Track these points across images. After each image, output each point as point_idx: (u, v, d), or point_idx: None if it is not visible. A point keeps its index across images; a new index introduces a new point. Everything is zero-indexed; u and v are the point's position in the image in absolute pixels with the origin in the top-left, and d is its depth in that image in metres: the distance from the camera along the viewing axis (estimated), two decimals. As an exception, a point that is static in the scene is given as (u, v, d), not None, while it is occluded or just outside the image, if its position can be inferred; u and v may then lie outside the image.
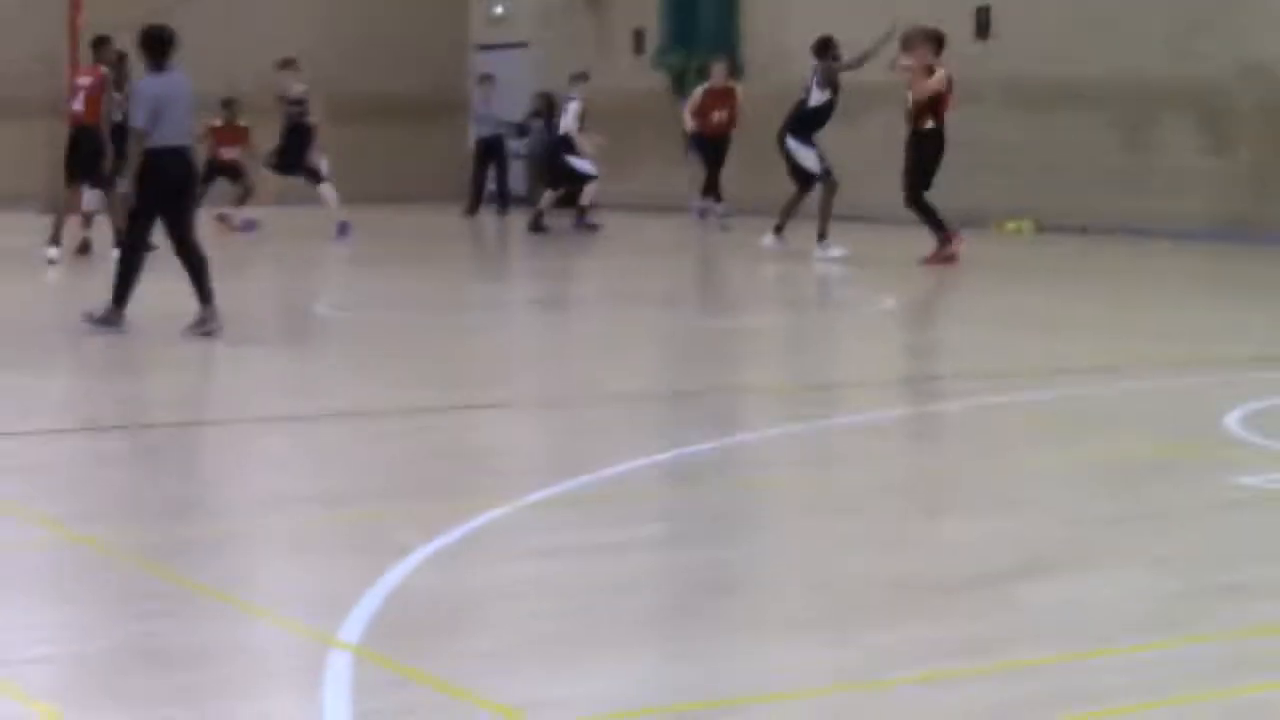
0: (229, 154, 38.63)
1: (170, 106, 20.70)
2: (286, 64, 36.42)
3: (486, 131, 40.91)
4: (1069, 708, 7.20)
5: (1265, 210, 29.35)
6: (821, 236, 30.17)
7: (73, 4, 40.51)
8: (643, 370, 17.77)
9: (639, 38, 41.44)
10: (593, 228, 34.55)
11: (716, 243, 30.38)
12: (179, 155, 20.66)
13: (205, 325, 20.22)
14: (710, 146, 29.78)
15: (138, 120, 20.83)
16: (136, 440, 14.34)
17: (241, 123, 38.46)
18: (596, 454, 12.63)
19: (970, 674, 7.52)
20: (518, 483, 11.76)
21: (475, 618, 8.51)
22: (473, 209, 41.71)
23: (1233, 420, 13.36)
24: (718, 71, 34.24)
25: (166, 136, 20.58)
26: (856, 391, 15.24)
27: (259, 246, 31.29)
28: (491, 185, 42.64)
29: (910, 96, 29.83)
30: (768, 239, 30.58)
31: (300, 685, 7.48)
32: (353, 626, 8.20)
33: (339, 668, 7.62)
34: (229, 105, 38.63)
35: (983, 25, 34.10)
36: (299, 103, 35.30)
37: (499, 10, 44.36)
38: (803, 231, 31.15)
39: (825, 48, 30.78)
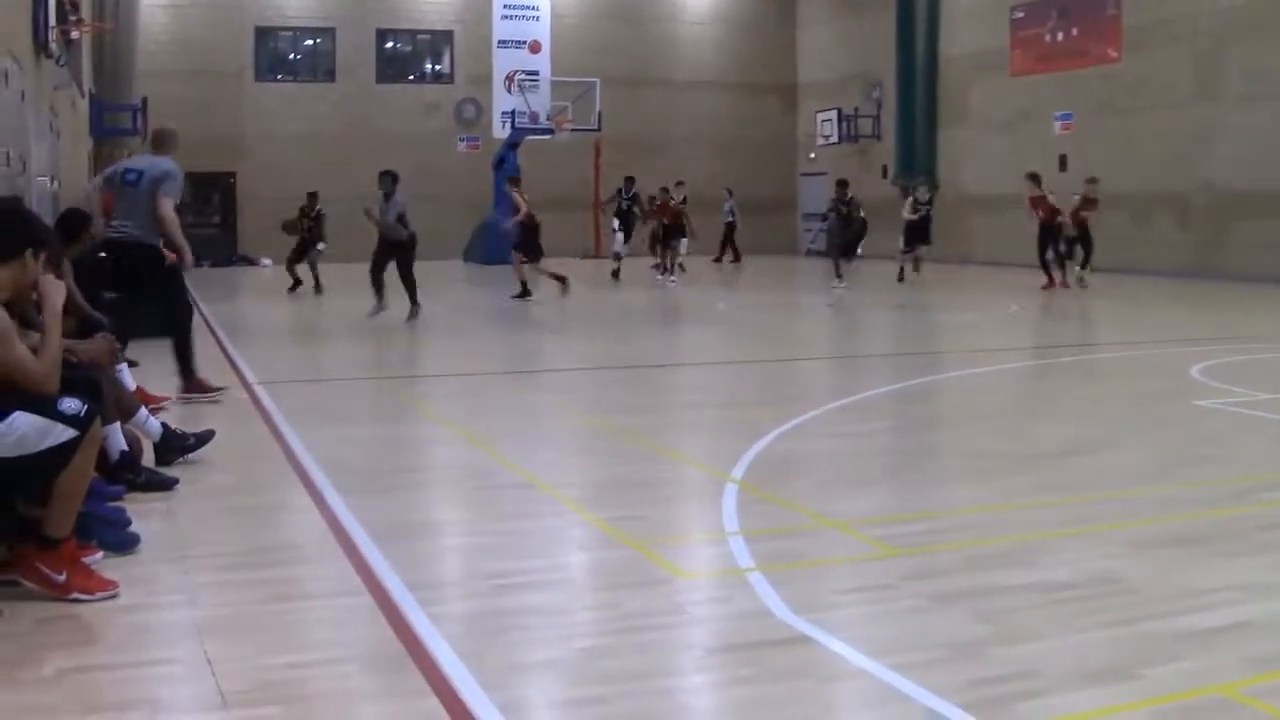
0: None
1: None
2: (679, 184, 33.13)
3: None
4: (1110, 520, 7.68)
5: (1211, 260, 28.34)
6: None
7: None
8: (888, 340, 17.47)
9: (884, 169, 40.54)
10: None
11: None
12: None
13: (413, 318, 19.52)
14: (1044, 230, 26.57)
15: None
16: (636, 375, 14.20)
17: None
18: (862, 385, 12.56)
19: (1053, 503, 8.18)
20: (822, 398, 11.83)
21: (800, 468, 9.13)
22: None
23: (1195, 371, 13.01)
24: (1032, 183, 27.44)
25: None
26: (987, 354, 14.76)
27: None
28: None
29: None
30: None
31: (710, 498, 8.17)
32: (738, 470, 8.92)
33: (730, 491, 8.29)
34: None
35: (1063, 164, 32.71)
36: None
37: (812, 156, 43.74)
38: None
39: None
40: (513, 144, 38.73)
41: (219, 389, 12.10)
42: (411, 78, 43.09)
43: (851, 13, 44.22)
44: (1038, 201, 26.97)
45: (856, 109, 43.44)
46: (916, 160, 40.31)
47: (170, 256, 12.21)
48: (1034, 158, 34.24)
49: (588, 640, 5.48)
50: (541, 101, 39.98)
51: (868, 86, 43.05)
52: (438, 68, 43.39)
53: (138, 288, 12.07)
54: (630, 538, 7.03)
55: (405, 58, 43.25)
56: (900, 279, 28.86)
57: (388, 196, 19.69)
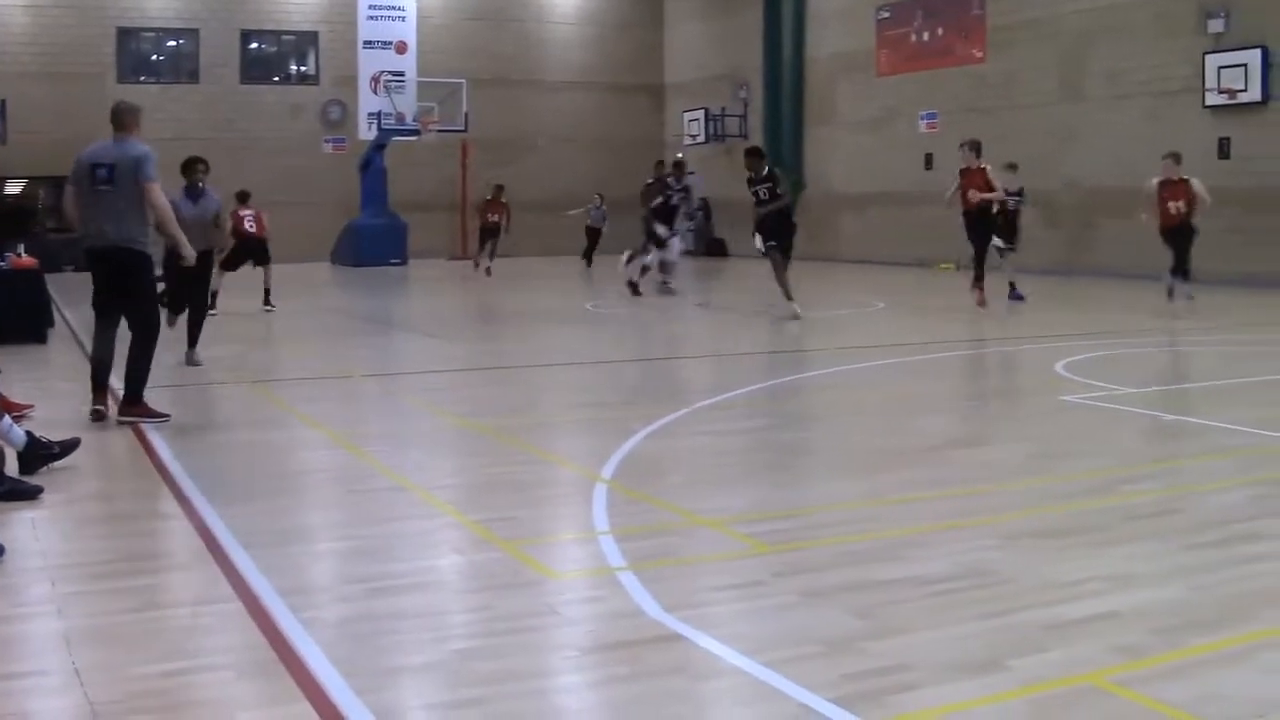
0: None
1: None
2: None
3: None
4: (982, 515, 7.78)
5: (1077, 257, 28.65)
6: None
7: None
8: (759, 338, 17.38)
9: (751, 168, 40.87)
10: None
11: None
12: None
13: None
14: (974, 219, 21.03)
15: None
16: (507, 375, 14.24)
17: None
18: (733, 383, 12.56)
19: (926, 498, 8.30)
20: (693, 396, 11.91)
21: (671, 466, 9.21)
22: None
23: (1060, 366, 13.22)
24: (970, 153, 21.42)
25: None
26: (857, 351, 14.79)
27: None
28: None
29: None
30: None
31: (581, 498, 8.17)
32: (608, 469, 8.95)
33: (600, 491, 8.32)
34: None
35: (928, 162, 32.97)
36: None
37: (680, 155, 43.71)
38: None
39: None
40: (379, 145, 38.58)
41: (165, 415, 10.90)
42: (276, 79, 42.57)
43: (719, 13, 44.42)
44: (973, 177, 21.16)
45: (724, 109, 43.59)
46: (784, 160, 40.56)
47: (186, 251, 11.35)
48: (900, 157, 34.83)
49: (461, 643, 5.46)
50: (408, 102, 39.80)
51: (735, 86, 43.24)
52: (303, 69, 42.89)
53: (128, 299, 11.06)
54: (502, 539, 7.02)
55: (270, 59, 42.75)
56: (1016, 294, 22.65)
57: (195, 192, 14.99)
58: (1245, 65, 27.31)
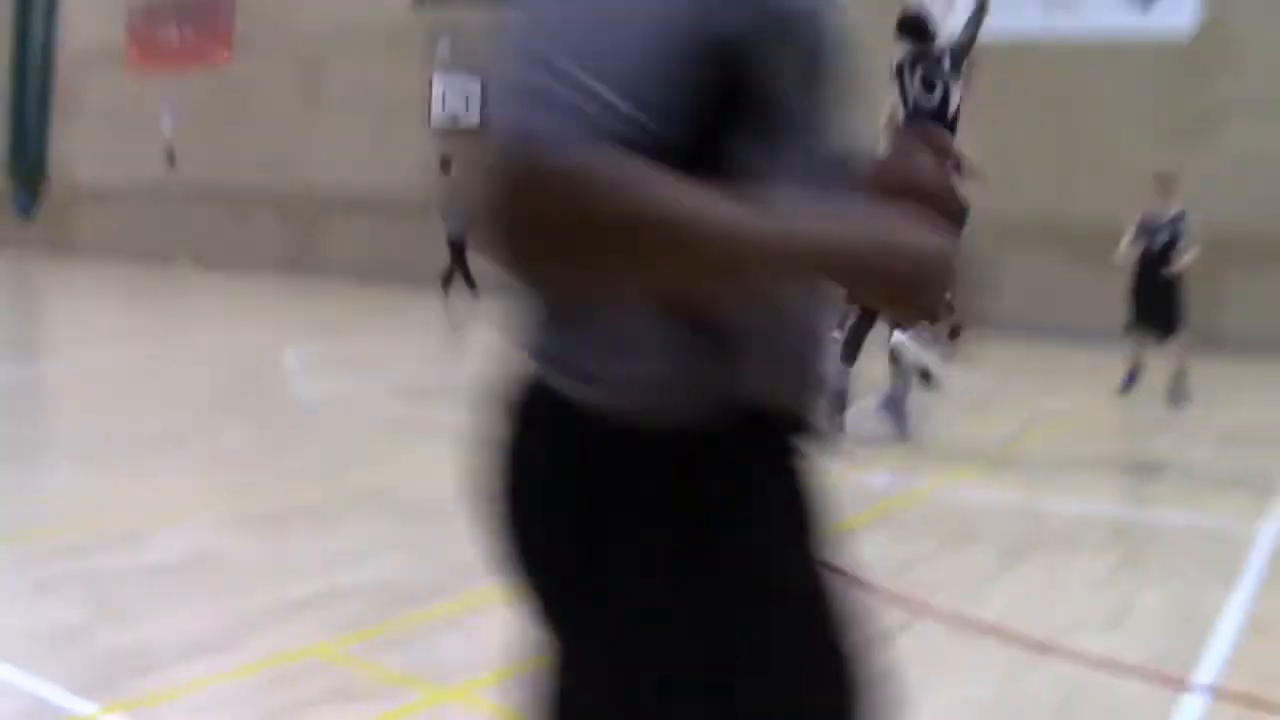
0: None
1: None
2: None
3: None
4: (209, 502, 7.50)
5: (307, 254, 29.06)
6: None
7: None
8: None
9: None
10: None
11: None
12: None
13: None
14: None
15: None
16: None
17: None
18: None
19: (163, 486, 7.81)
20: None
21: None
22: None
23: (291, 358, 13.38)
24: None
25: None
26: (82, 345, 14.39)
27: None
28: None
29: None
30: None
31: None
32: None
33: None
34: None
35: (172, 160, 32.80)
36: None
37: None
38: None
39: None
40: None
41: None
42: None
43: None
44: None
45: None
46: (29, 152, 39.38)
47: None
48: (144, 153, 34.46)
49: None
50: None
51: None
52: None
53: None
54: None
55: None
56: None
57: None
58: (467, 92, 29.23)
